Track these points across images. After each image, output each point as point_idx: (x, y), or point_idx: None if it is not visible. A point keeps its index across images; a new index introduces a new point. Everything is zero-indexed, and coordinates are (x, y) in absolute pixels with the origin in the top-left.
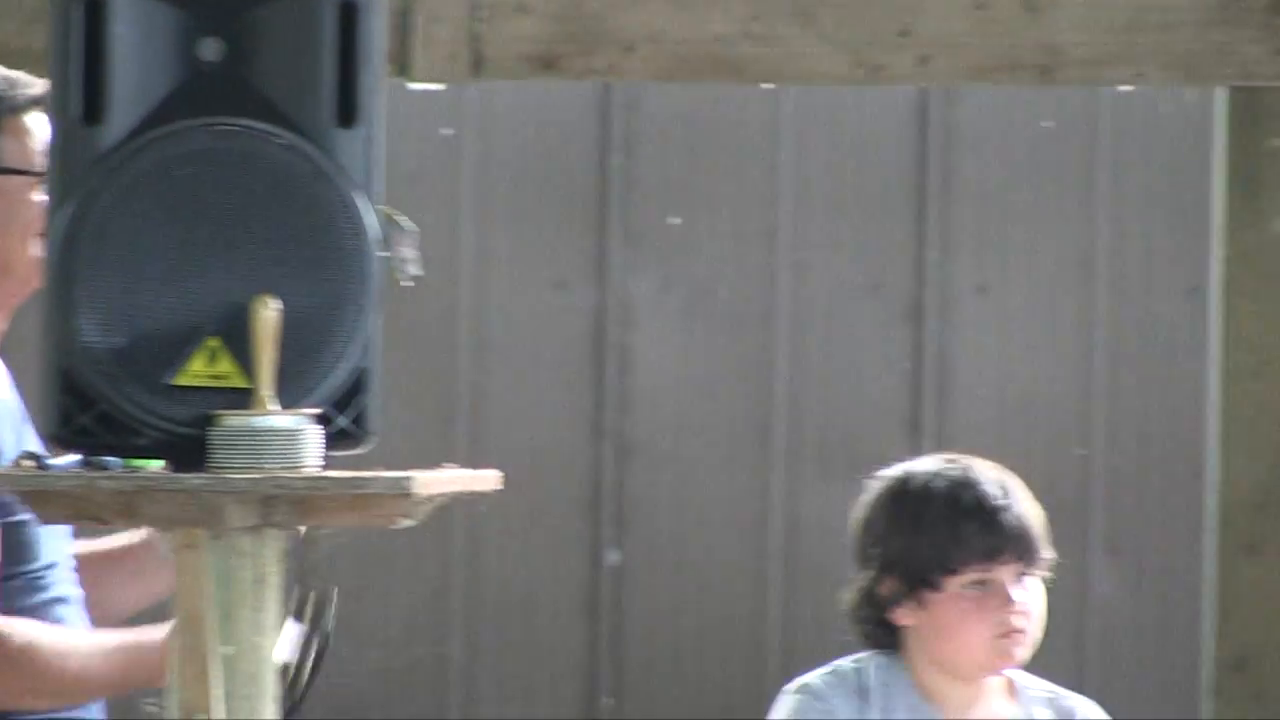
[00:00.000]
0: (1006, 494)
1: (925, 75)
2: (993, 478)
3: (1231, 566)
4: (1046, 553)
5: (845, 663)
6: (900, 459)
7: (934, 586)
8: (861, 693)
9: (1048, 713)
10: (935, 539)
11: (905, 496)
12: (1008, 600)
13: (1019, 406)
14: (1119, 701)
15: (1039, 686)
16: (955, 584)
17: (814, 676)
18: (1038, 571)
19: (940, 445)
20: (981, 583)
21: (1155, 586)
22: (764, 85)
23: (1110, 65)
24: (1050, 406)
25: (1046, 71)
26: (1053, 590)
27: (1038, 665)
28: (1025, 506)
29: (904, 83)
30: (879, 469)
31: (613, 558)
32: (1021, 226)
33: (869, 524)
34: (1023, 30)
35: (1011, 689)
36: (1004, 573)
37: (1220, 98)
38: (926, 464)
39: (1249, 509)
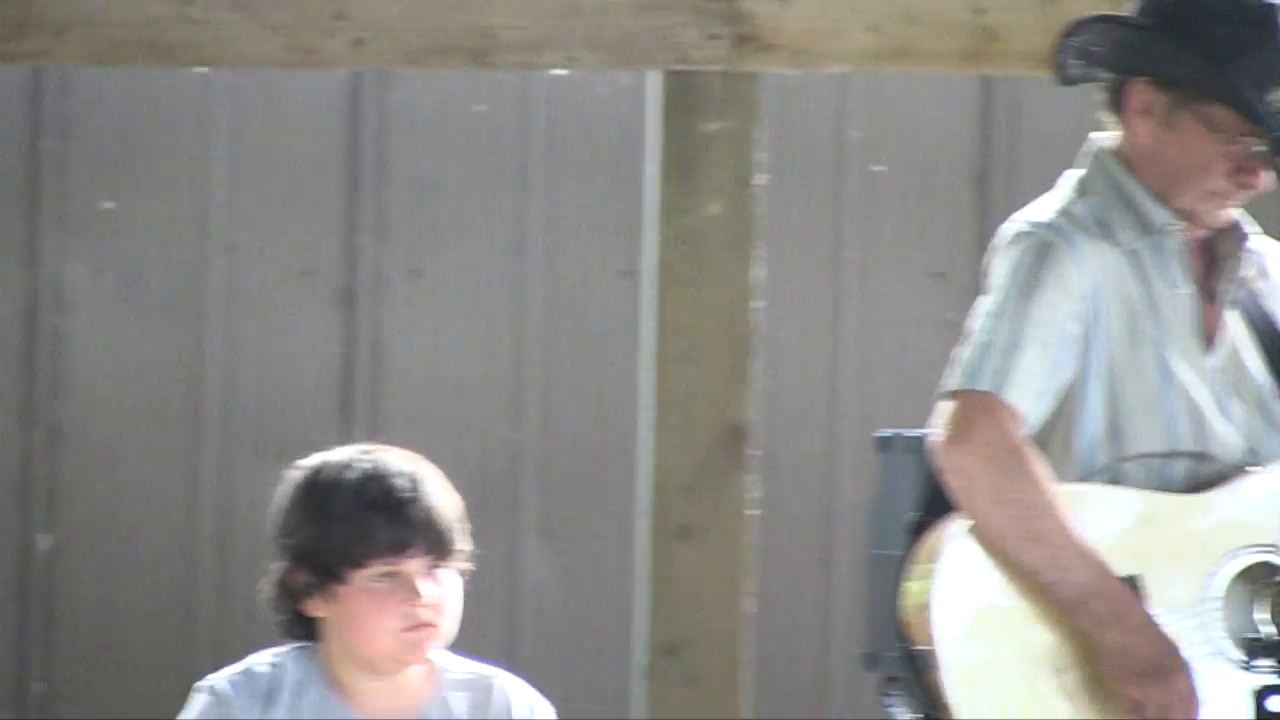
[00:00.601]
0: (416, 487)
1: (359, 58)
2: (404, 470)
3: (664, 550)
4: (462, 545)
5: (263, 658)
6: (332, 445)
7: (341, 579)
8: (270, 694)
9: (466, 693)
10: (341, 532)
11: (315, 488)
12: (415, 594)
13: (452, 390)
14: (551, 684)
15: (462, 668)
16: (362, 577)
17: (222, 677)
18: (452, 564)
19: (373, 430)
20: (389, 575)
21: (588, 570)
22: (197, 69)
23: (543, 49)
24: (483, 390)
25: (480, 55)
26: (484, 574)
27: (469, 649)
28: (437, 499)
29: (337, 66)
30: (309, 455)
31: (44, 543)
32: (455, 210)
33: (282, 515)
34: (456, 14)
35: (433, 674)
36: (412, 566)
37: (654, 82)
38: (341, 455)
39: (681, 493)
